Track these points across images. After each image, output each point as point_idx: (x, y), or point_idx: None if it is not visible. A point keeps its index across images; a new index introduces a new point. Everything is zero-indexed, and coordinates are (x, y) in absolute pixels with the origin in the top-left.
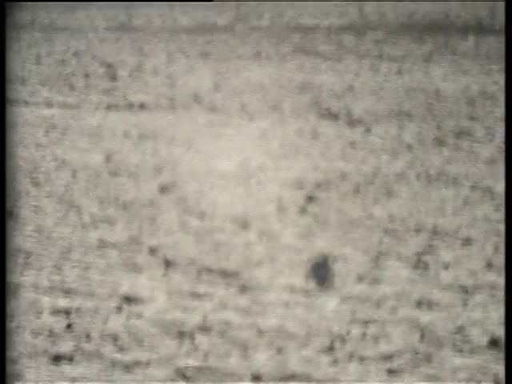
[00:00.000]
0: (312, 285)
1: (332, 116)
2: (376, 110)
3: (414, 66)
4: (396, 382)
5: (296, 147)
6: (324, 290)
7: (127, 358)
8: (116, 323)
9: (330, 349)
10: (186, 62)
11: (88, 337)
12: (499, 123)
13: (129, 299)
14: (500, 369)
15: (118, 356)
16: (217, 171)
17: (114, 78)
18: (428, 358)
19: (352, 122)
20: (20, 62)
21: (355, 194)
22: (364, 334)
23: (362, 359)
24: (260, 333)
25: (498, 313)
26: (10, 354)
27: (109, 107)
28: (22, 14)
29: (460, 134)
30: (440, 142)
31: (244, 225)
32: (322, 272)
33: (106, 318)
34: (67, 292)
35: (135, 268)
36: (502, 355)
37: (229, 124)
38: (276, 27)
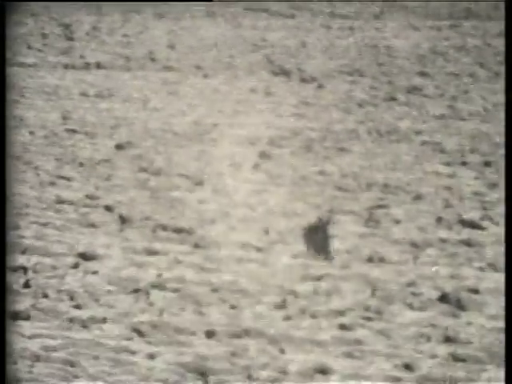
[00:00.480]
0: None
1: (284, 73)
2: (328, 68)
3: (365, 24)
4: (347, 337)
5: (249, 104)
6: (322, 257)
7: (84, 314)
8: (73, 280)
9: (283, 305)
10: (141, 22)
11: (45, 294)
12: (449, 79)
13: (85, 256)
14: (449, 323)
15: (74, 313)
16: (172, 129)
17: (70, 38)
18: (379, 313)
19: (304, 79)
20: None
21: (307, 150)
22: (316, 290)
23: (314, 315)
24: (214, 289)
25: (447, 268)
26: None
27: (66, 67)
28: None
29: (411, 90)
30: (391, 99)
31: (198, 182)
32: (317, 238)
33: (63, 275)
34: (24, 250)
35: (91, 225)
36: (451, 310)
37: (183, 82)
38: None
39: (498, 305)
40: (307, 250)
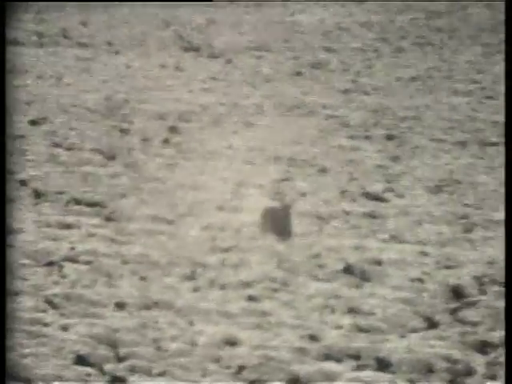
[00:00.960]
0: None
1: (194, 49)
2: (236, 43)
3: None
4: (255, 309)
5: (160, 80)
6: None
7: None
8: None
9: (192, 276)
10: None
11: None
12: (354, 54)
13: None
14: (353, 294)
15: None
16: (84, 105)
17: None
18: (285, 285)
19: (213, 55)
20: None
21: (216, 125)
22: (224, 262)
23: (222, 286)
24: (124, 261)
25: (352, 240)
26: None
27: None
28: None
29: (316, 65)
30: (297, 74)
31: (110, 157)
32: (279, 220)
33: None
34: None
35: (6, 199)
36: (355, 281)
37: (96, 59)
38: None
39: (400, 276)
40: (267, 231)
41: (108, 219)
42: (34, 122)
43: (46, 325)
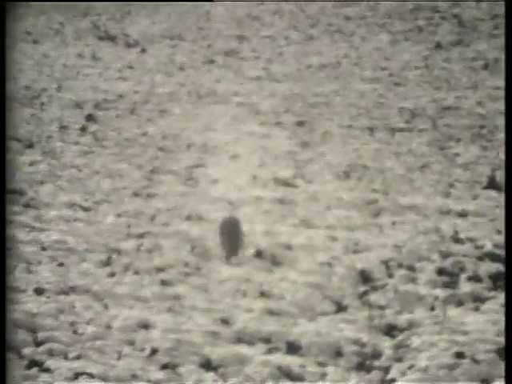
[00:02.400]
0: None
1: (110, 38)
2: (151, 32)
3: None
4: (168, 293)
5: (77, 69)
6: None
7: None
8: None
9: (108, 262)
10: None
11: None
12: (265, 42)
13: None
14: (264, 279)
15: None
16: (4, 94)
17: None
18: (197, 270)
19: (129, 44)
20: None
21: (131, 112)
22: (139, 248)
23: (136, 271)
24: (43, 248)
25: (262, 225)
26: None
27: None
28: None
29: (229, 53)
30: (210, 62)
31: (29, 145)
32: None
33: None
34: None
35: None
36: (266, 265)
37: (13, 48)
38: None
39: (309, 260)
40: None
41: (27, 206)
42: None
43: None
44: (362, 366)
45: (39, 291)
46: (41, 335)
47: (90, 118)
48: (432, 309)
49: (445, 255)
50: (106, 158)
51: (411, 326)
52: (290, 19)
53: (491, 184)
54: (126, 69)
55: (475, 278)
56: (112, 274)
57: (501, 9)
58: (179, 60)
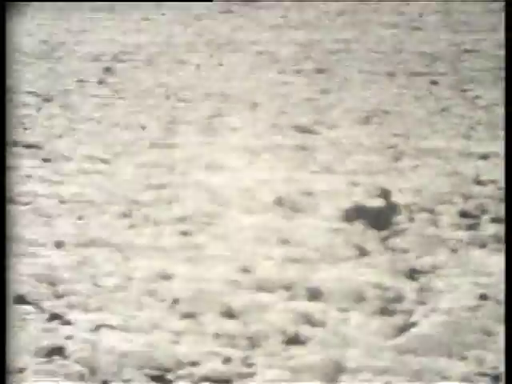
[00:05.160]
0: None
1: None
2: None
3: None
4: (188, 243)
5: (94, 22)
6: None
7: None
8: None
9: (127, 214)
10: None
11: None
12: None
13: None
14: (285, 225)
15: None
16: (20, 49)
17: None
18: (217, 219)
19: None
20: None
21: (149, 64)
22: (158, 199)
23: (156, 222)
24: (62, 201)
25: (282, 172)
26: None
27: None
28: None
29: (246, 2)
30: (228, 11)
31: (46, 99)
32: None
33: None
34: None
35: None
36: (286, 212)
37: (31, 3)
38: None
39: (330, 206)
40: None
41: (45, 160)
42: None
43: None
44: (385, 311)
45: (59, 244)
46: (61, 288)
47: (107, 70)
48: (454, 251)
49: (467, 197)
50: (124, 109)
51: (434, 268)
52: None
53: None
54: (142, 21)
55: (498, 220)
56: (132, 226)
57: None
58: (196, 11)
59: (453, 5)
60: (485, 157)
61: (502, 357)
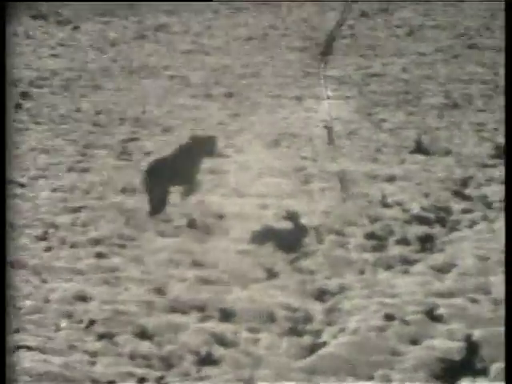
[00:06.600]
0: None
1: (43, 17)
2: (82, 10)
3: None
4: (104, 265)
5: (10, 47)
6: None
7: None
8: None
9: (44, 237)
10: None
11: None
12: (193, 16)
13: None
14: (197, 248)
15: None
16: None
17: None
18: (132, 241)
19: (61, 22)
20: None
21: (65, 89)
22: (75, 222)
23: (73, 245)
24: None
25: (195, 196)
26: None
27: None
28: None
29: (159, 28)
30: (141, 37)
31: None
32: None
33: None
34: None
35: None
36: (198, 235)
37: None
38: None
39: (241, 228)
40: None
41: None
42: None
43: None
44: (295, 331)
45: None
46: None
47: (24, 95)
48: (362, 272)
49: (373, 220)
50: (40, 134)
51: (342, 289)
52: None
53: (417, 148)
54: (58, 46)
55: (403, 241)
56: (49, 248)
57: None
58: (111, 36)
59: (360, 29)
60: (391, 179)
61: (407, 376)
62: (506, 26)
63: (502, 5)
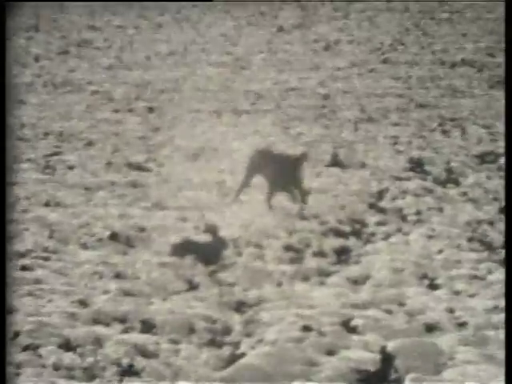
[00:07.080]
0: None
1: None
2: (6, 25)
3: None
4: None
5: None
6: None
7: None
8: None
9: None
10: None
11: None
12: (116, 32)
13: None
14: (119, 260)
15: None
16: None
17: None
18: (56, 254)
19: None
20: None
21: None
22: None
23: None
24: None
25: (117, 208)
26: None
27: None
28: None
29: (82, 43)
30: (64, 52)
31: None
32: None
33: None
34: None
35: None
36: (121, 248)
37: None
38: None
39: (161, 241)
40: None
41: None
42: None
43: None
44: (214, 342)
45: None
46: None
47: None
48: (279, 284)
49: (291, 232)
50: None
51: (260, 301)
52: (139, 8)
53: (334, 162)
54: None
55: (320, 254)
56: None
57: None
58: (34, 51)
59: (277, 44)
60: (308, 192)
61: None
62: (506, 25)
63: (414, 20)
